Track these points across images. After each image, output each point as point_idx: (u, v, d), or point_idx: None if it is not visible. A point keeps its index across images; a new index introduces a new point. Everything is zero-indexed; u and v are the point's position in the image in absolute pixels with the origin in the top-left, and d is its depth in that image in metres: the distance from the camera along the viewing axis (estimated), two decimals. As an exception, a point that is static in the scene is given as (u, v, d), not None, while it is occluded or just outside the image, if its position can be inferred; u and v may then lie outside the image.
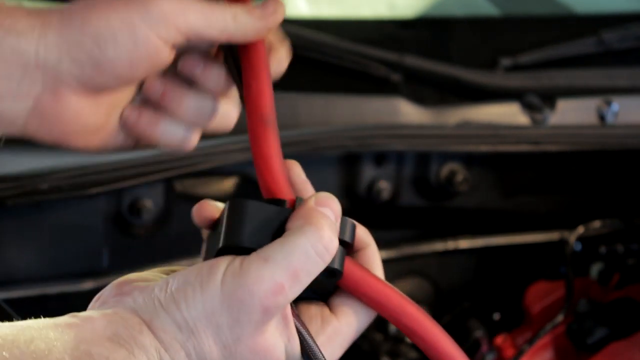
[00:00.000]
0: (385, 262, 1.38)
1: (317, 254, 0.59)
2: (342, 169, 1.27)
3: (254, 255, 0.58)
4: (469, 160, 1.30)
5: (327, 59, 1.39)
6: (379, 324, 1.40)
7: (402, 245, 1.38)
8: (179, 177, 1.18)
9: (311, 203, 0.61)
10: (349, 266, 0.64)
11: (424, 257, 1.39)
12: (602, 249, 1.27)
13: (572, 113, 1.39)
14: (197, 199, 1.22)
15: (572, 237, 1.27)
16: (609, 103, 1.39)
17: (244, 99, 0.68)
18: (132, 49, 0.63)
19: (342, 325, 0.65)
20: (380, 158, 1.27)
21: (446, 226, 1.39)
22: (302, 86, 1.36)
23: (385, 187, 1.28)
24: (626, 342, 1.12)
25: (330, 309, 0.66)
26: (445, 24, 1.59)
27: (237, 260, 0.58)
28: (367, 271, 0.65)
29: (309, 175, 1.35)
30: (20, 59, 0.62)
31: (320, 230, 0.59)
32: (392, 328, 1.39)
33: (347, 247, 0.65)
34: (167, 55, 0.65)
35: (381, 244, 1.37)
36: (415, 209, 1.33)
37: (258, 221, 0.61)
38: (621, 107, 1.40)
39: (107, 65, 0.63)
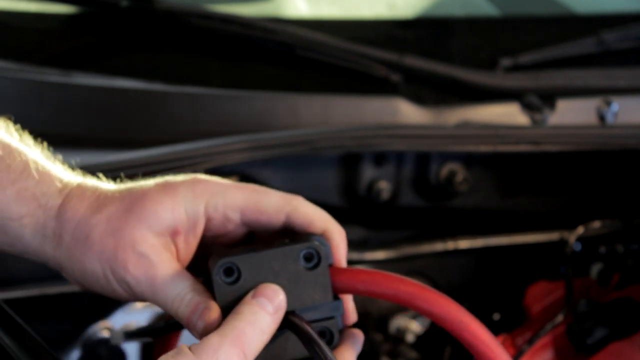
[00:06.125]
0: (385, 262, 1.38)
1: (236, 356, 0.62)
2: (342, 169, 1.27)
3: None
4: (469, 160, 1.30)
5: (327, 59, 1.39)
6: (379, 324, 1.40)
7: (402, 245, 1.38)
8: (178, 177, 1.18)
9: (248, 297, 0.66)
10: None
11: (424, 257, 1.39)
12: (602, 249, 1.27)
13: (572, 113, 1.39)
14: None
15: (572, 237, 1.27)
16: (608, 103, 1.39)
17: None
18: None
19: None
20: (380, 158, 1.27)
21: (446, 226, 1.39)
22: (302, 86, 1.36)
23: (385, 187, 1.28)
24: (626, 342, 1.12)
25: None
26: (445, 24, 1.59)
27: None
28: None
29: (309, 175, 1.35)
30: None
31: (241, 337, 0.63)
32: (392, 328, 1.39)
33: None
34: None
35: (381, 244, 1.37)
36: (415, 209, 1.33)
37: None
38: (621, 107, 1.40)
39: None
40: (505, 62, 1.45)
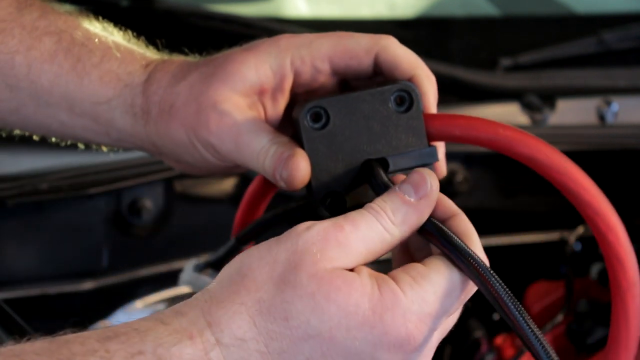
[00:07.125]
0: (386, 262, 1.38)
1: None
2: (342, 169, 1.26)
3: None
4: (469, 160, 1.30)
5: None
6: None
7: (402, 245, 1.37)
8: (179, 177, 1.18)
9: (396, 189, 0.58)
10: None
11: (424, 257, 1.38)
12: (602, 249, 1.27)
13: (572, 113, 1.39)
14: (196, 199, 1.23)
15: (572, 237, 1.27)
16: (608, 103, 1.39)
17: None
18: None
19: (431, 271, 0.62)
20: (380, 158, 1.27)
21: (446, 226, 1.38)
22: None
23: (385, 187, 1.28)
24: (626, 342, 1.12)
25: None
26: (445, 24, 1.59)
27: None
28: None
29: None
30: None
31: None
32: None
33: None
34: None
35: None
36: (415, 209, 1.33)
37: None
38: (621, 107, 1.39)
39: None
40: (505, 62, 1.45)
